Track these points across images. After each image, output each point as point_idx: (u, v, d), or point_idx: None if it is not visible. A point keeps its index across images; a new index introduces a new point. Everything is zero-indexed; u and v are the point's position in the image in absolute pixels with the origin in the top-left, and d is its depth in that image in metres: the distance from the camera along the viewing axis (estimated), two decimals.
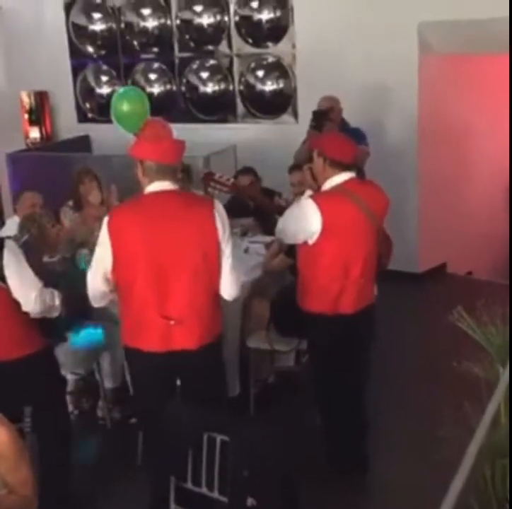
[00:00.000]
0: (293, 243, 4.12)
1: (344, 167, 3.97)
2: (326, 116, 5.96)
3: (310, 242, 3.93)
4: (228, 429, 3.06)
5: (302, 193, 4.94)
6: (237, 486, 3.03)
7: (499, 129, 7.25)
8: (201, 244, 3.45)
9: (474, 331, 2.99)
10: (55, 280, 3.87)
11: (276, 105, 7.50)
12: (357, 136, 6.03)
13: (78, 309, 4.20)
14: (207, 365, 3.59)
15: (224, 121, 7.76)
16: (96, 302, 3.66)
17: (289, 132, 6.99)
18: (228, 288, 3.57)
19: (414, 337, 5.85)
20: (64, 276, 4.05)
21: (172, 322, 3.44)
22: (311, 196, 3.99)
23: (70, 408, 4.58)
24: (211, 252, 3.47)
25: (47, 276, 3.79)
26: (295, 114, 7.35)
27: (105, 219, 3.48)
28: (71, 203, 5.67)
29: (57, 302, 3.68)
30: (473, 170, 7.34)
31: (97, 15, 8.18)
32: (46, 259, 4.36)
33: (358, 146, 5.96)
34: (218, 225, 3.47)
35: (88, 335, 4.69)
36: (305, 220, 3.91)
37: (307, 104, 6.84)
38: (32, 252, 3.93)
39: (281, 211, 4.41)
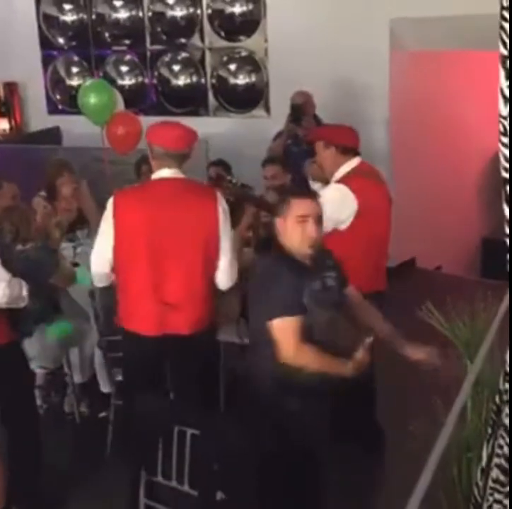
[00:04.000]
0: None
1: (354, 153, 4.05)
2: (302, 110, 6.00)
3: (343, 226, 3.92)
4: (199, 423, 3.06)
5: (276, 187, 4.95)
6: (208, 479, 3.04)
7: (471, 124, 7.31)
8: (201, 233, 3.51)
9: (443, 327, 3.02)
10: (26, 269, 3.83)
11: (248, 99, 7.50)
12: None
13: (49, 299, 4.18)
14: (199, 351, 3.66)
15: (196, 114, 7.73)
16: (99, 282, 3.79)
17: (261, 126, 7.00)
18: (224, 278, 3.64)
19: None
20: (36, 265, 4.01)
21: (167, 307, 3.51)
22: (339, 181, 3.97)
23: (38, 402, 4.56)
24: (211, 241, 3.53)
25: (19, 265, 3.76)
26: (267, 109, 7.36)
27: (110, 200, 3.59)
28: (43, 193, 5.64)
29: (25, 292, 3.66)
30: (444, 166, 7.40)
31: (68, 6, 8.10)
32: (19, 247, 4.32)
33: None
34: (220, 216, 3.53)
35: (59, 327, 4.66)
36: (345, 205, 3.89)
37: (279, 99, 6.86)
38: (4, 242, 3.91)
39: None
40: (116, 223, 3.53)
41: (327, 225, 3.89)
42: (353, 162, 4.02)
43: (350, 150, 4.02)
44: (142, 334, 3.60)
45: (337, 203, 3.83)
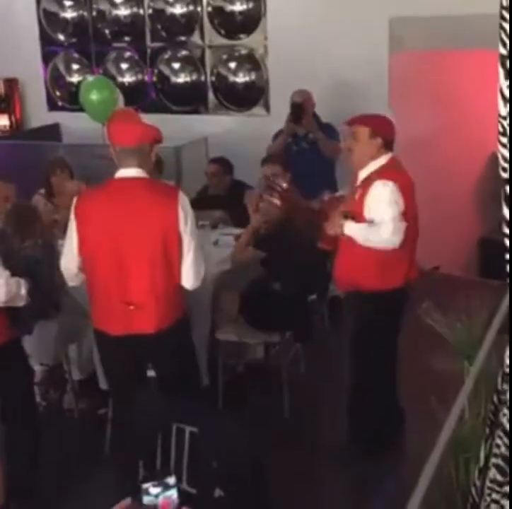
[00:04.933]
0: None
1: (391, 148, 4.08)
2: (303, 109, 6.00)
3: None
4: (197, 420, 3.07)
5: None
6: (206, 477, 3.05)
7: (469, 125, 7.31)
8: (160, 233, 3.50)
9: (441, 326, 3.02)
10: (26, 267, 3.84)
11: (247, 97, 7.48)
12: (329, 131, 6.06)
13: (46, 297, 4.18)
14: (167, 349, 3.67)
15: (195, 112, 7.74)
16: (69, 281, 3.80)
17: (261, 124, 7.00)
18: (188, 278, 3.61)
19: None
20: (35, 263, 4.02)
21: (131, 307, 3.52)
22: (384, 178, 3.93)
23: (37, 399, 4.56)
24: (171, 241, 3.51)
25: (19, 264, 3.77)
26: (267, 107, 7.35)
27: (73, 202, 3.61)
28: (43, 191, 5.71)
29: (23, 291, 3.66)
30: (442, 165, 7.40)
31: (68, 3, 8.08)
32: (19, 245, 4.33)
33: (330, 141, 6.01)
34: (180, 215, 3.51)
35: None
36: (399, 200, 3.90)
37: (279, 97, 6.85)
38: (5, 240, 3.92)
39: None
40: (77, 225, 3.56)
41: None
42: (388, 156, 4.03)
43: (390, 145, 4.06)
44: (110, 334, 3.63)
45: (394, 202, 3.86)
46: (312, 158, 6.01)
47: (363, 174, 4.01)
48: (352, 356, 4.18)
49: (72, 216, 3.58)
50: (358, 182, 4.02)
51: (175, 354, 3.72)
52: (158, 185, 3.73)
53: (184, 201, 3.56)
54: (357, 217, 3.91)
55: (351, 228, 3.90)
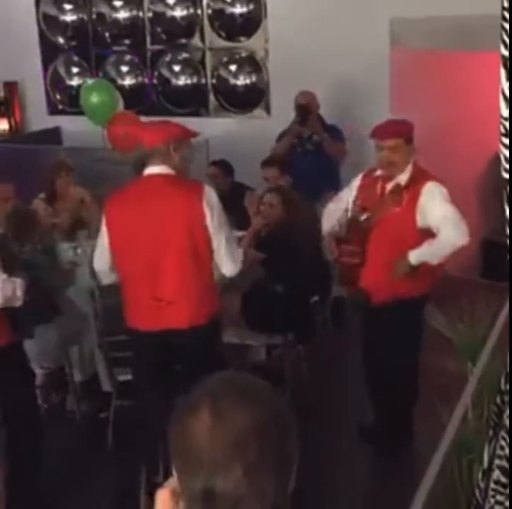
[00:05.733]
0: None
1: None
2: (308, 110, 5.98)
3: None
4: None
5: (273, 189, 4.95)
6: None
7: (471, 125, 7.30)
8: (186, 228, 3.52)
9: (445, 328, 3.02)
10: (26, 271, 3.84)
11: (248, 99, 7.48)
12: (334, 132, 6.05)
13: (46, 301, 4.18)
14: (199, 345, 3.67)
15: (196, 115, 7.73)
16: (103, 279, 3.90)
17: (261, 127, 7.00)
18: (225, 265, 3.67)
19: None
20: (34, 267, 4.02)
21: (163, 303, 3.55)
22: (430, 180, 3.99)
23: (39, 402, 4.55)
24: (198, 235, 3.54)
25: (19, 268, 3.77)
26: (268, 109, 7.35)
27: (104, 203, 3.73)
28: (42, 195, 5.65)
29: (19, 292, 3.67)
30: (443, 166, 7.38)
31: (68, 6, 8.08)
32: (17, 249, 4.33)
33: (335, 143, 6.00)
34: (205, 209, 3.52)
35: None
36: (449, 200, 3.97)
37: (279, 99, 6.86)
38: (4, 243, 3.92)
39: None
40: (107, 223, 3.64)
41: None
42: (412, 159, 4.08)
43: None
44: (142, 330, 3.66)
45: (449, 200, 3.97)
46: (316, 159, 5.99)
47: (403, 178, 4.01)
48: (392, 363, 4.13)
49: (103, 215, 3.68)
50: (393, 186, 4.01)
51: (206, 354, 3.70)
52: (181, 181, 3.70)
53: (209, 196, 3.58)
54: (403, 221, 3.92)
55: (419, 257, 3.86)
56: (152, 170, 3.60)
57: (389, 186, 4.04)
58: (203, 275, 3.62)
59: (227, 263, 3.66)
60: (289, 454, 1.28)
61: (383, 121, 4.20)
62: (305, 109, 5.98)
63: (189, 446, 1.24)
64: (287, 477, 1.27)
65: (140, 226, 3.55)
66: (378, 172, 4.10)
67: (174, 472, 1.31)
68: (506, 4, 1.80)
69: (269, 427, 1.25)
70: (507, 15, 1.81)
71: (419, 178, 3.97)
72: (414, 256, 3.84)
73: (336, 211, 4.31)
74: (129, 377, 4.28)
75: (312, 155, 6.07)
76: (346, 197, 4.28)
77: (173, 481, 1.35)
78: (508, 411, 2.08)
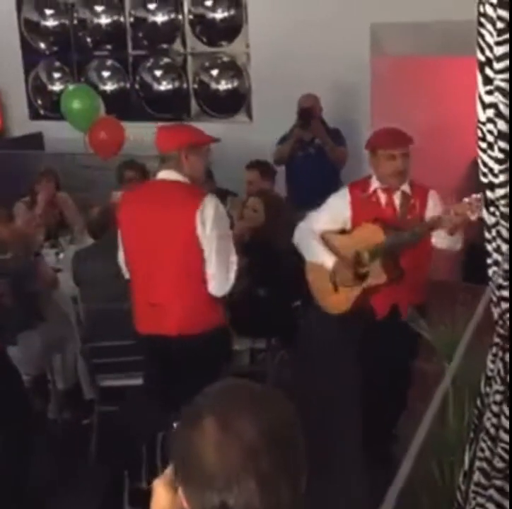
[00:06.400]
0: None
1: None
2: (311, 114, 5.94)
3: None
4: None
5: (253, 192, 4.96)
6: None
7: (450, 130, 7.34)
8: (180, 236, 3.53)
9: (426, 331, 3.03)
10: (7, 279, 3.83)
11: (230, 104, 7.49)
12: (336, 137, 6.03)
13: (29, 309, 4.16)
14: (187, 355, 3.62)
15: (178, 119, 7.71)
16: (125, 275, 3.86)
17: (243, 132, 7.00)
18: (212, 284, 3.58)
19: None
20: (16, 275, 4.01)
21: (156, 308, 3.59)
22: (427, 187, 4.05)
23: None
24: (190, 244, 3.53)
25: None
26: (250, 114, 7.36)
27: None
28: (26, 198, 5.69)
29: None
30: (424, 170, 7.42)
31: (49, 11, 8.08)
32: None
33: (338, 148, 5.98)
34: (197, 219, 3.47)
35: None
36: None
37: (261, 104, 6.87)
38: None
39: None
40: (119, 219, 3.75)
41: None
42: None
43: None
44: (140, 334, 3.73)
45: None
46: (317, 163, 5.96)
47: (406, 187, 3.99)
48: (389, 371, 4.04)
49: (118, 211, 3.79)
50: (400, 193, 3.97)
51: (195, 364, 3.58)
52: (185, 188, 3.61)
53: (205, 206, 3.49)
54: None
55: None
56: (161, 174, 3.65)
57: (396, 197, 3.96)
58: (194, 284, 3.58)
59: (212, 281, 3.57)
60: (300, 461, 1.25)
61: (384, 131, 4.13)
62: (308, 112, 5.93)
63: (198, 462, 1.19)
64: (300, 485, 1.23)
65: (142, 229, 3.60)
66: (376, 185, 3.97)
67: (181, 490, 1.24)
68: (482, 10, 1.82)
69: (279, 435, 1.21)
70: (483, 20, 1.83)
71: (414, 185, 3.97)
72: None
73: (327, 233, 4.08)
74: (112, 382, 4.28)
75: (313, 158, 6.03)
76: (340, 218, 4.05)
77: (169, 472, 1.30)
78: (488, 414, 2.09)
